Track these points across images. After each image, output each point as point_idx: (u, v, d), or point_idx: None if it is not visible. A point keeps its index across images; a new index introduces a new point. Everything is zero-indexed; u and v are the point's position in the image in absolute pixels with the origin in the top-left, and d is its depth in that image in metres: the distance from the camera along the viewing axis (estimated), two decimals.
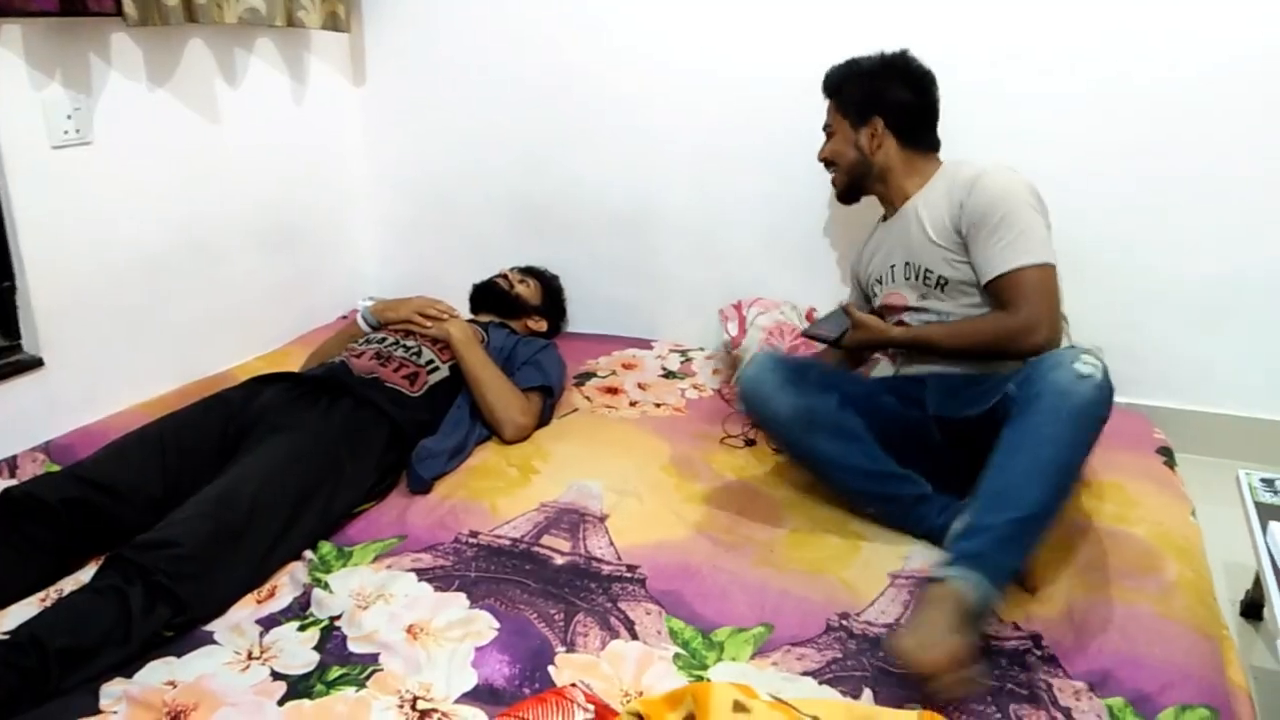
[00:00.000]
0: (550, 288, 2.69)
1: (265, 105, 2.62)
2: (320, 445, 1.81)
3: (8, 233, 2.03)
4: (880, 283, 2.04)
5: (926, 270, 1.91)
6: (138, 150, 2.26)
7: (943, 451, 1.82)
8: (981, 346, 1.80)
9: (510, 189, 2.88)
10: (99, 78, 2.14)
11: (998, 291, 1.79)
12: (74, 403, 2.16)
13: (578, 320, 2.87)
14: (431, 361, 2.18)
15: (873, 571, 1.67)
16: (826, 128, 2.08)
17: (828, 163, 2.09)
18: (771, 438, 2.03)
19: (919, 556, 1.70)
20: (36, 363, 2.09)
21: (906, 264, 1.96)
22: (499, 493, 1.93)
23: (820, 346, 2.15)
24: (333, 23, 2.64)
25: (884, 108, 1.97)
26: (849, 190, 2.09)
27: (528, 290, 2.59)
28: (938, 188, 1.93)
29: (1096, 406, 1.52)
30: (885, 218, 2.08)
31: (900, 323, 1.96)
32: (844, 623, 1.53)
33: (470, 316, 2.50)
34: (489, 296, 2.54)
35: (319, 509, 1.74)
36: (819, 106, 2.08)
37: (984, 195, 1.80)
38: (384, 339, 2.23)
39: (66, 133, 2.08)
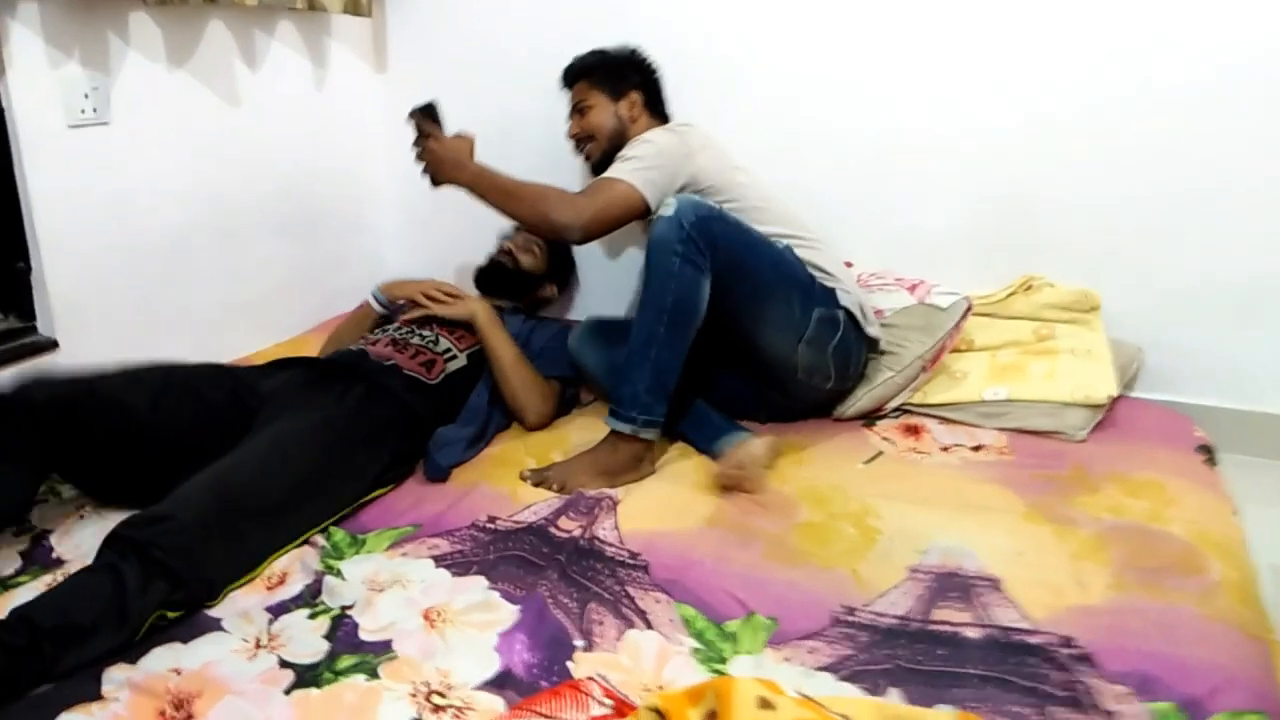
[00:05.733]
0: (554, 244, 2.55)
1: (285, 89, 2.60)
2: (331, 429, 1.77)
3: (23, 213, 2.01)
4: None
5: None
6: (156, 131, 2.24)
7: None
8: (524, 200, 2.02)
9: (531, 175, 2.83)
10: (117, 57, 2.11)
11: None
12: None
13: (589, 309, 2.82)
14: (449, 350, 2.14)
15: (890, 565, 1.60)
16: (580, 105, 2.29)
17: (583, 139, 2.29)
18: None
19: (938, 551, 1.63)
20: (51, 345, 2.07)
21: None
22: (518, 480, 1.89)
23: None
24: (354, 6, 2.61)
25: (637, 83, 2.28)
26: (605, 161, 2.17)
27: (533, 260, 2.47)
28: None
29: (665, 239, 1.79)
30: None
31: None
32: (851, 616, 1.47)
33: None
34: (495, 278, 2.45)
35: (329, 493, 1.70)
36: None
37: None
38: (400, 327, 2.19)
39: (84, 112, 2.05)
